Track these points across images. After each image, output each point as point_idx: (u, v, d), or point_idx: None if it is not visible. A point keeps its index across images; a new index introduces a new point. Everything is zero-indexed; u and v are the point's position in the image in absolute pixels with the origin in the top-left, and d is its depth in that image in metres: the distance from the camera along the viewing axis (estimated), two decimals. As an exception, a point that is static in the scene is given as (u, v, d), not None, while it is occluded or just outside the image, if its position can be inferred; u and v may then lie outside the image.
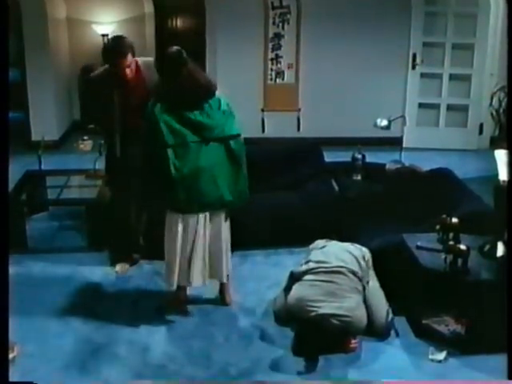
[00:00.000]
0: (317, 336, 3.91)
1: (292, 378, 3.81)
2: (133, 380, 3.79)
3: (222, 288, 4.60)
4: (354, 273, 4.23)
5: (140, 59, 4.72)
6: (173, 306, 4.51)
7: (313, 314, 3.96)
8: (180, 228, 4.25)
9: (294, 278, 4.32)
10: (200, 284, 4.40)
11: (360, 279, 4.24)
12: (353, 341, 4.02)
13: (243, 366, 3.90)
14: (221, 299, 4.61)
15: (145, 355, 4.02)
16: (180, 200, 4.19)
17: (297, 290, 4.20)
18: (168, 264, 4.38)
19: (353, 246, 4.51)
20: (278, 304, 4.39)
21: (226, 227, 4.42)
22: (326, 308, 3.97)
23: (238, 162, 4.29)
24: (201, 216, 4.25)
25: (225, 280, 4.50)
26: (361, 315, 4.06)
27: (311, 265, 4.32)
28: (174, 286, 4.39)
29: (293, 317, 4.12)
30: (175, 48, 4.17)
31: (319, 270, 4.24)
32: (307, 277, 4.24)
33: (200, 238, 4.27)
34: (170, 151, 4.10)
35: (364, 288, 4.24)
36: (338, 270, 4.22)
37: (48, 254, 5.35)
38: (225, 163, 4.24)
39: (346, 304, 4.02)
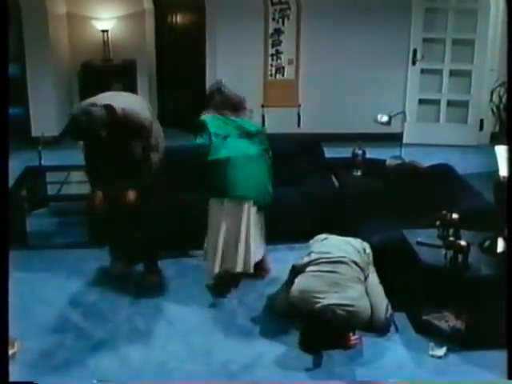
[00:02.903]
0: (323, 328, 3.89)
1: (298, 375, 3.81)
2: (133, 377, 3.79)
3: (259, 262, 4.79)
4: (355, 263, 4.23)
5: (120, 107, 4.41)
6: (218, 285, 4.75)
7: (318, 305, 3.94)
8: (220, 215, 4.58)
9: (296, 270, 4.32)
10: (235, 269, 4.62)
11: (362, 270, 4.24)
12: (352, 337, 4.02)
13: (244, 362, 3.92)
14: (257, 272, 4.81)
15: (145, 351, 4.04)
16: (213, 183, 4.60)
17: (300, 282, 4.19)
18: (208, 248, 4.66)
19: (353, 239, 4.51)
20: (280, 298, 4.39)
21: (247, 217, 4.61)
22: (330, 298, 3.97)
23: (268, 165, 4.76)
24: (236, 204, 4.57)
25: (237, 269, 4.60)
26: (364, 305, 4.06)
27: (313, 256, 4.31)
28: (216, 271, 4.62)
29: (296, 309, 4.11)
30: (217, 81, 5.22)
31: (321, 260, 4.24)
32: (310, 268, 4.24)
33: (235, 226, 4.57)
34: (211, 137, 4.65)
35: (365, 278, 4.24)
36: (340, 259, 4.22)
37: (48, 249, 5.36)
38: (256, 160, 4.67)
39: (349, 294, 4.03)
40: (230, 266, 4.61)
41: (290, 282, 4.31)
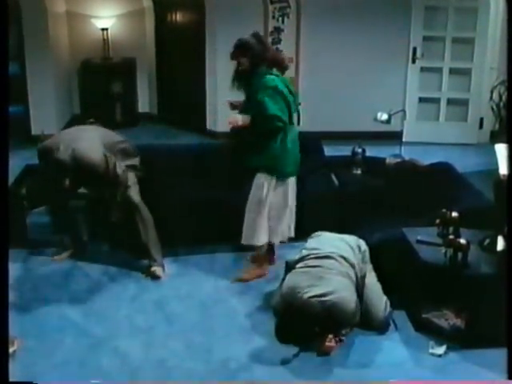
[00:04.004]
0: (300, 321, 3.87)
1: (297, 374, 3.81)
2: (132, 376, 3.79)
3: (269, 249, 4.98)
4: (344, 258, 4.20)
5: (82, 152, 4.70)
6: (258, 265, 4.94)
7: (300, 299, 3.93)
8: (268, 191, 4.68)
9: (289, 267, 4.33)
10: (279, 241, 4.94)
11: (352, 266, 4.20)
12: (328, 343, 3.91)
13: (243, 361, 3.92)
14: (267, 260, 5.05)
15: (145, 349, 4.04)
16: (282, 166, 4.67)
17: (289, 279, 4.20)
18: (254, 223, 4.73)
19: (348, 236, 4.50)
20: (276, 296, 4.39)
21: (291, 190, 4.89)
22: (311, 292, 3.94)
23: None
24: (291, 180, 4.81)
25: (281, 239, 4.93)
26: (346, 297, 3.95)
27: (304, 252, 4.33)
28: (260, 243, 4.79)
29: (287, 306, 4.09)
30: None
31: (310, 256, 4.25)
32: (299, 264, 4.25)
33: (286, 201, 4.80)
34: (291, 118, 4.67)
35: (357, 276, 4.20)
36: (328, 255, 4.21)
37: (48, 248, 5.36)
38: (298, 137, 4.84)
39: (330, 285, 3.97)
40: (275, 237, 4.84)
41: (284, 279, 4.32)
